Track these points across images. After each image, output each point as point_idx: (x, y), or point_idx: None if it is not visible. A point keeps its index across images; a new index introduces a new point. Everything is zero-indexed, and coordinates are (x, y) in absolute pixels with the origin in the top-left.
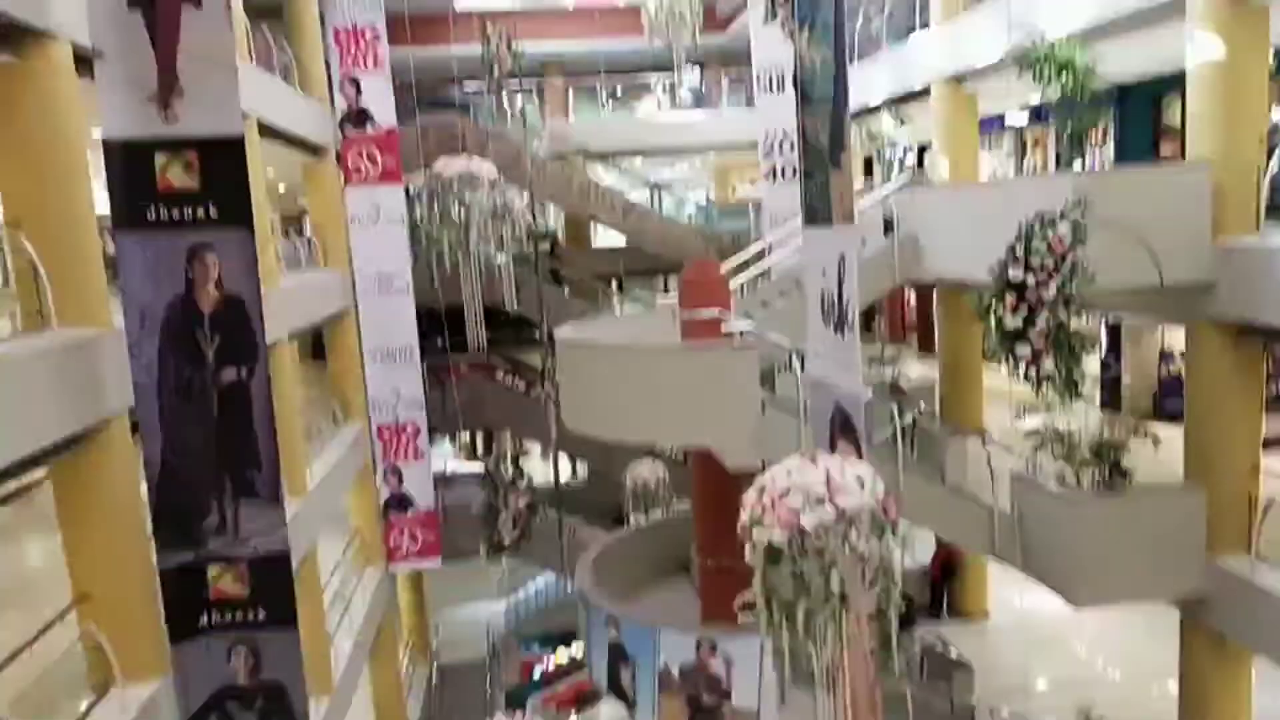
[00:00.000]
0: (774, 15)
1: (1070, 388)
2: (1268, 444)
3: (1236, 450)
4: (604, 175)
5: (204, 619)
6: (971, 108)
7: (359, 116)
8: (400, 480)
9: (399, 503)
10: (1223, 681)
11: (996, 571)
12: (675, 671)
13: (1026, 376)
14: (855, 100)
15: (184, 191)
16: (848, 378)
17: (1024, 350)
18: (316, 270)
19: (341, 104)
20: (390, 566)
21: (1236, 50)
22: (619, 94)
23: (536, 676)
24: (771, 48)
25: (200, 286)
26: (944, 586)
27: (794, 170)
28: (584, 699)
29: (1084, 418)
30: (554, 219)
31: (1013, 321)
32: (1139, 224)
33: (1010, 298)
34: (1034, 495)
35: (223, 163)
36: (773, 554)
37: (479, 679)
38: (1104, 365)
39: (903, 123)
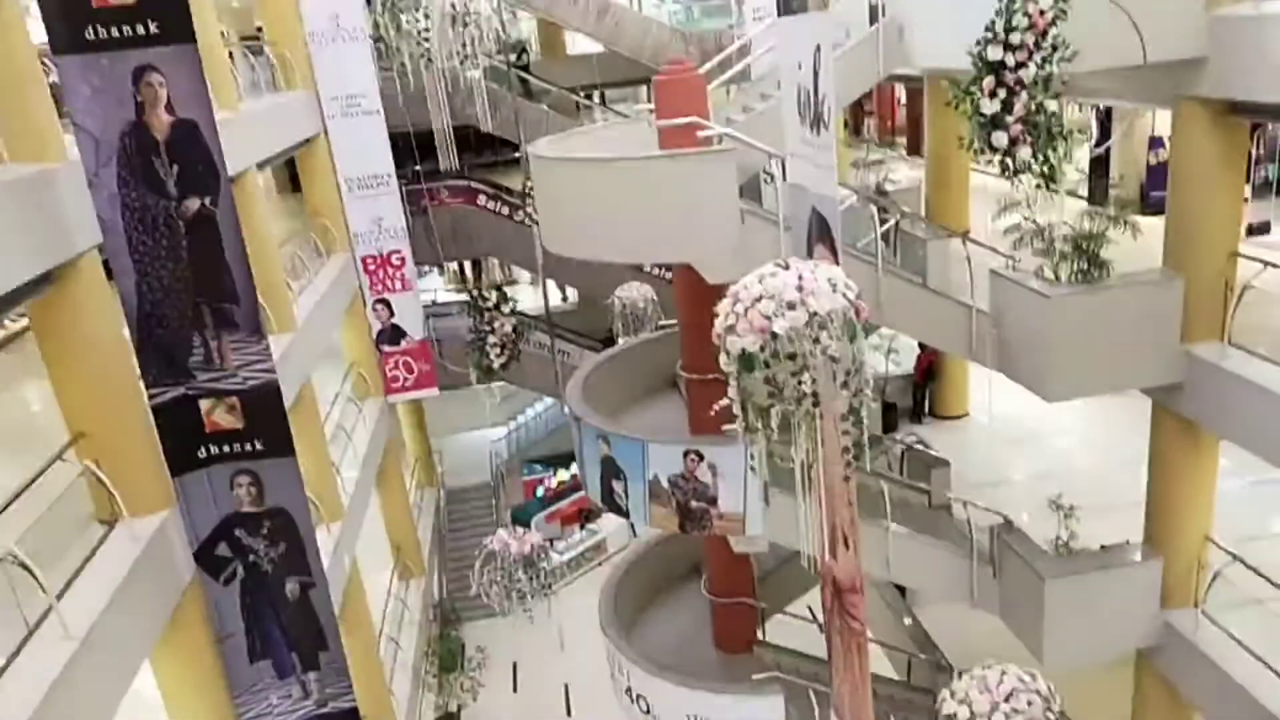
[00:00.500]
0: None
1: (1049, 177)
2: (1251, 231)
3: (1216, 236)
4: None
5: (202, 451)
6: None
7: None
8: (391, 312)
9: (392, 335)
10: (1190, 467)
11: (977, 374)
12: (664, 482)
13: (1004, 167)
14: None
15: (121, 6)
16: (823, 179)
17: (1001, 138)
18: (280, 94)
19: None
20: (389, 398)
21: None
22: None
23: (539, 495)
24: None
25: (150, 111)
26: (926, 390)
27: None
28: (587, 515)
29: (1060, 211)
30: (525, 29)
31: (990, 106)
32: None
33: (988, 81)
34: (1010, 292)
35: None
36: (746, 360)
37: (485, 500)
38: (1093, 159)
39: None
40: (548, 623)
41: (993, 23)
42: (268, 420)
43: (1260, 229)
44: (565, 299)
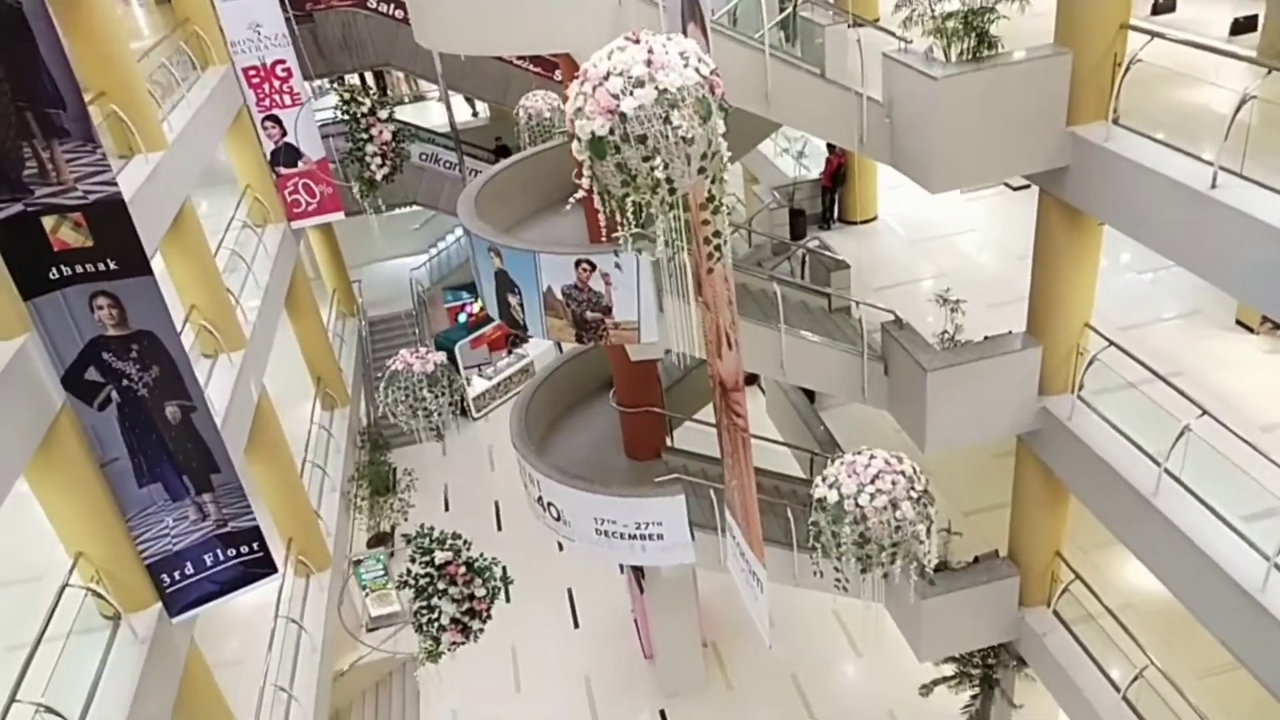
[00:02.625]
0: None
1: None
2: (1157, 9)
3: (1106, 6)
4: None
5: (54, 273)
6: None
7: None
8: (283, 130)
9: (286, 155)
10: (1073, 256)
11: (887, 178)
12: (559, 293)
13: None
14: None
15: None
16: None
17: None
18: None
19: None
20: (291, 224)
21: None
22: None
23: (462, 321)
24: None
25: None
26: (834, 194)
27: None
28: (514, 339)
29: None
30: None
31: None
32: None
33: None
34: (899, 76)
35: None
36: (596, 145)
37: (408, 329)
38: None
39: None
40: (478, 446)
41: None
42: (117, 237)
43: (1166, 7)
44: (475, 114)
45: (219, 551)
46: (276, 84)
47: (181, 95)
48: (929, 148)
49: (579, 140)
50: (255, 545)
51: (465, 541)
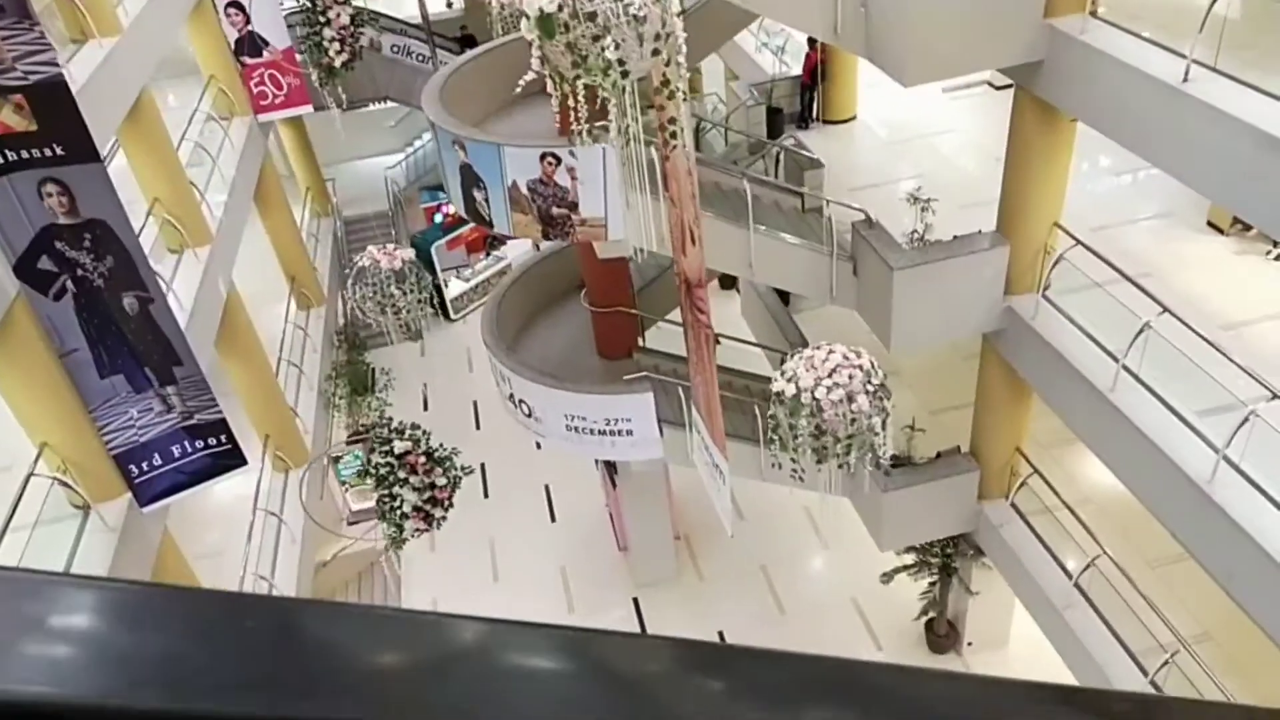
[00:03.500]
0: None
1: None
2: None
3: None
4: None
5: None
6: None
7: None
8: (246, 18)
9: (251, 45)
10: (1045, 153)
11: (867, 74)
12: (524, 188)
13: None
14: None
15: None
16: None
17: None
18: None
19: None
20: (259, 116)
21: None
22: None
23: (438, 221)
24: None
25: None
26: (813, 93)
27: None
28: (492, 240)
29: None
30: None
31: None
32: None
33: None
34: None
35: None
36: (544, 23)
37: (385, 229)
38: None
39: None
40: (457, 347)
41: None
42: (62, 122)
43: None
44: (450, 4)
45: (186, 443)
46: None
47: None
48: (903, 38)
49: (528, 18)
50: (223, 438)
51: (424, 432)
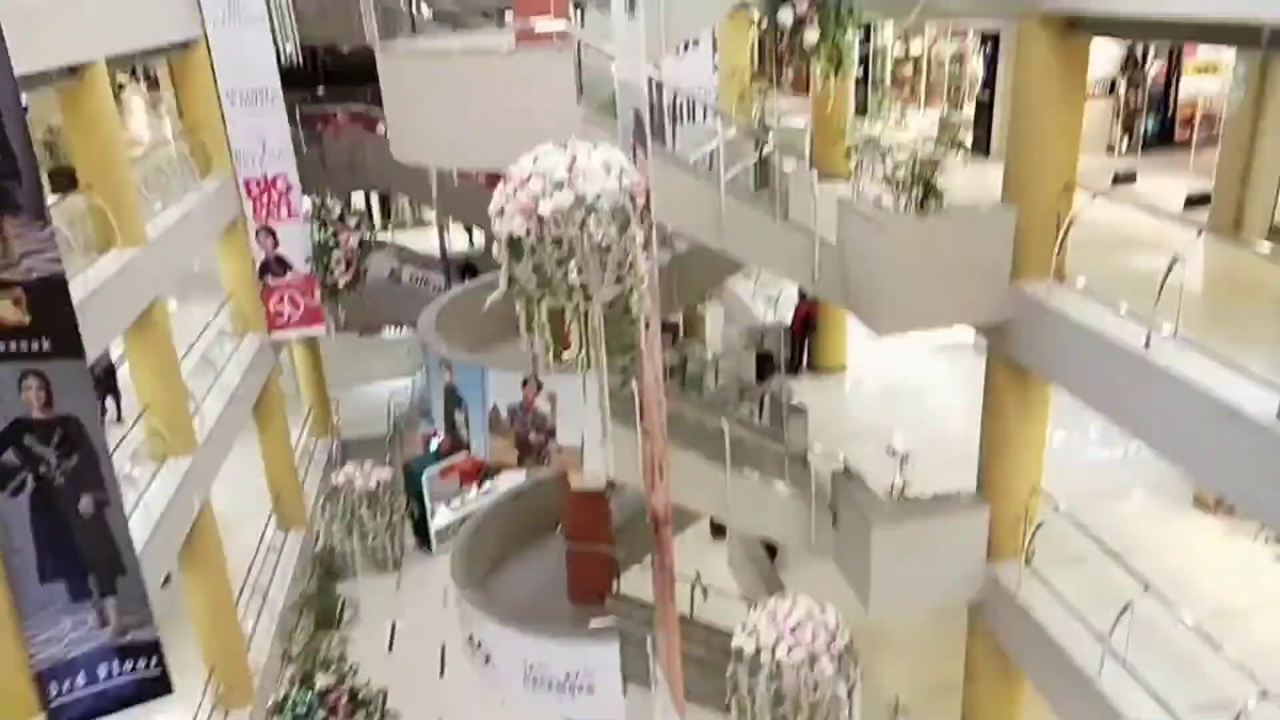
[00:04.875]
0: None
1: (836, 63)
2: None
3: (1052, 166)
4: None
5: None
6: None
7: None
8: (275, 242)
9: (276, 266)
10: (1021, 414)
11: (857, 327)
12: (504, 411)
13: (791, 51)
14: None
15: None
16: (633, 67)
17: (787, 15)
18: None
19: None
20: (272, 334)
21: None
22: None
23: (433, 448)
24: None
25: None
26: (803, 341)
27: None
28: (485, 471)
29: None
30: None
31: None
32: None
33: None
34: (851, 221)
35: None
36: (514, 246)
37: (382, 453)
38: (979, 103)
39: None
40: (435, 582)
41: None
42: (55, 317)
43: (1127, 178)
44: (472, 243)
45: (115, 663)
46: (275, 197)
47: (175, 197)
48: (875, 291)
49: (498, 241)
50: (154, 660)
51: (351, 666)
